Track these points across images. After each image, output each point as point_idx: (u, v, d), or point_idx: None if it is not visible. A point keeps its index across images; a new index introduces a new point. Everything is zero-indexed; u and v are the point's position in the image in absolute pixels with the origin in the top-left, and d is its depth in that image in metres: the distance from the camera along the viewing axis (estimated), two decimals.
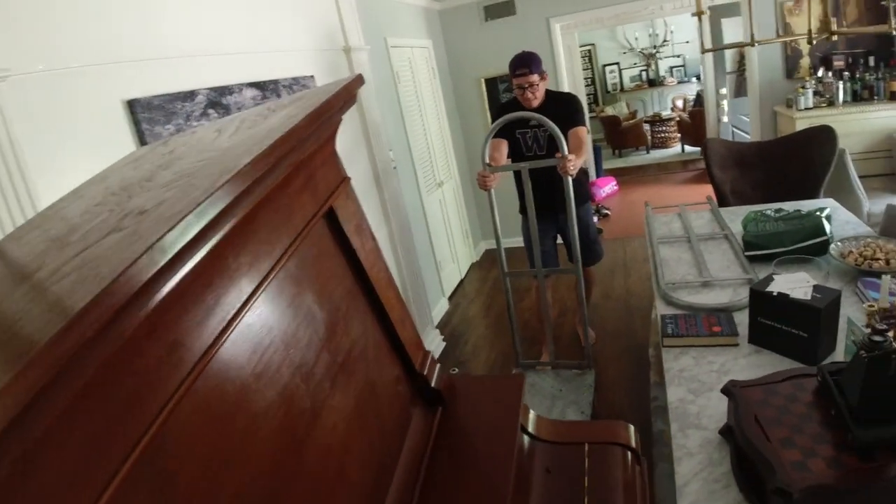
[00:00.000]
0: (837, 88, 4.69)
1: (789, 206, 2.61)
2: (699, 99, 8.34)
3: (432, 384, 0.90)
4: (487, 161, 2.86)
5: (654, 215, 3.16)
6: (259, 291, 0.60)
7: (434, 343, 4.05)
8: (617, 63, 10.92)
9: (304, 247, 0.70)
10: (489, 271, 5.43)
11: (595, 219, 6.30)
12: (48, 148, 1.65)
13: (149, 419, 0.47)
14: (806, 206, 2.61)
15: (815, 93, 4.76)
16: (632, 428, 1.02)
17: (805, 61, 4.94)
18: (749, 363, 1.71)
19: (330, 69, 3.18)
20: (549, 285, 3.30)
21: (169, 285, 0.47)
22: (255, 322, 0.60)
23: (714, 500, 1.29)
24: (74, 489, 0.42)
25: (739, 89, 6.94)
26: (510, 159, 3.15)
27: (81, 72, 1.77)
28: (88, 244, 0.52)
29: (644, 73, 10.87)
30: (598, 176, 7.48)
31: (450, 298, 4.94)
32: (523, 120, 2.95)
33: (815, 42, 1.60)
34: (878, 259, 2.00)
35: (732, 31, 5.96)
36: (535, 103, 3.01)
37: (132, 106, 1.83)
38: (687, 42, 10.25)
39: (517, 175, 2.99)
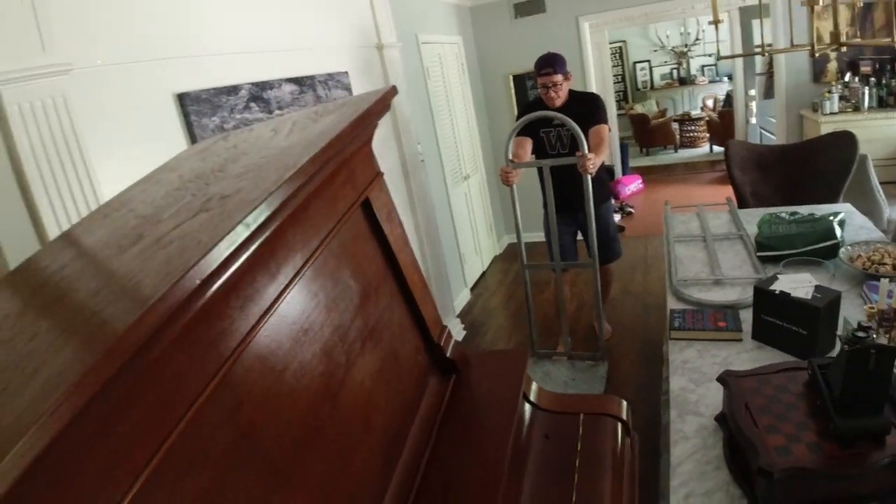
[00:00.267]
0: (863, 94, 4.68)
1: (805, 209, 2.68)
2: (729, 99, 8.30)
3: (447, 355, 1.03)
4: (510, 157, 2.98)
5: (673, 214, 3.24)
6: (308, 263, 0.74)
7: (455, 332, 4.18)
8: (648, 60, 10.87)
9: (343, 230, 0.84)
10: (511, 264, 5.54)
11: (618, 217, 6.37)
12: (106, 137, 1.80)
13: (224, 357, 0.61)
14: (822, 210, 2.67)
15: (841, 97, 4.76)
16: (624, 403, 1.14)
17: (832, 66, 4.93)
18: (751, 358, 1.79)
19: (363, 65, 3.31)
20: (567, 280, 3.40)
21: (248, 252, 0.61)
22: (305, 288, 0.74)
23: (705, 479, 1.39)
24: (169, 408, 0.55)
25: (768, 91, 6.91)
26: (534, 156, 3.26)
27: (135, 67, 1.93)
28: (182, 221, 0.66)
29: (675, 72, 10.80)
30: (623, 174, 7.51)
31: (472, 289, 5.06)
32: (547, 119, 3.05)
33: (818, 55, 1.68)
34: (885, 264, 2.06)
35: (765, 31, 5.94)
36: (559, 102, 3.11)
37: (182, 99, 1.99)
38: (721, 41, 10.14)
39: (540, 171, 3.10)
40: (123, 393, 0.50)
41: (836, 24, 1.71)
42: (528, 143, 3.18)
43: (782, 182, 3.60)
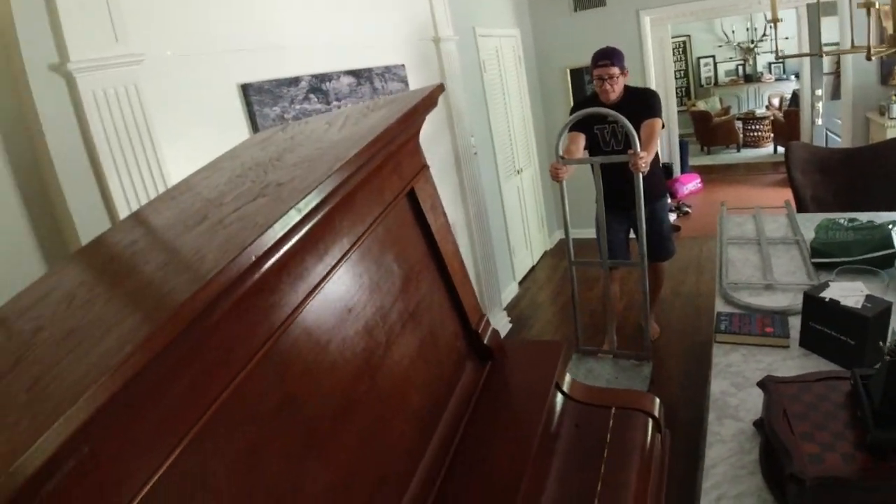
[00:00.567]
0: None
1: (865, 216, 2.59)
2: (796, 98, 8.00)
3: (485, 342, 1.08)
4: (561, 153, 2.98)
5: (729, 216, 3.18)
6: (355, 247, 0.81)
7: (501, 324, 4.22)
8: (712, 56, 10.55)
9: (389, 218, 0.90)
10: (561, 260, 5.52)
11: (674, 216, 6.26)
12: (173, 123, 1.91)
13: (274, 328, 0.68)
14: (882, 217, 2.58)
15: None
16: (657, 400, 1.16)
17: None
18: (796, 365, 1.77)
19: (420, 59, 3.37)
20: (617, 278, 3.39)
21: (299, 235, 0.68)
22: (350, 270, 0.80)
23: (738, 483, 1.40)
24: (223, 369, 0.63)
25: (835, 92, 6.63)
26: (587, 152, 3.25)
27: (203, 58, 2.03)
28: (241, 204, 0.73)
29: (741, 68, 10.46)
30: (682, 172, 7.36)
31: (520, 283, 5.08)
32: (601, 115, 3.04)
33: (874, 57, 1.63)
34: None
35: (832, 29, 5.70)
36: (613, 96, 3.10)
37: (245, 89, 2.09)
38: (786, 38, 9.78)
39: (593, 168, 3.10)
40: (182, 354, 0.57)
41: (894, 27, 1.66)
42: (581, 139, 3.18)
43: (844, 186, 3.48)
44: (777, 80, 10.19)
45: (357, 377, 0.78)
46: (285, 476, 0.66)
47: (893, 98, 4.55)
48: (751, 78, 10.38)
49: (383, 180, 0.89)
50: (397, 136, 0.88)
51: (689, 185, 7.22)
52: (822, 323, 1.76)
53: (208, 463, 0.59)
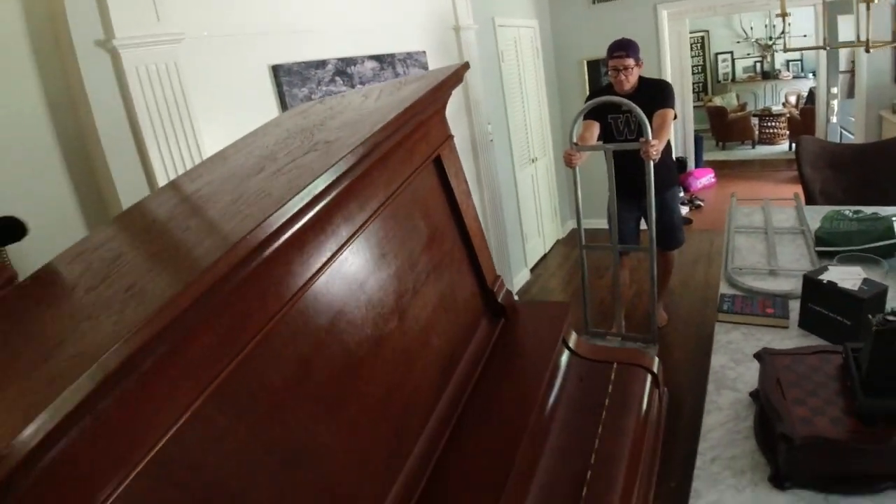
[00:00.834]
0: None
1: (869, 209, 2.66)
2: (812, 96, 8.00)
3: (499, 300, 1.18)
4: (575, 140, 3.07)
5: (739, 207, 3.26)
6: (388, 201, 0.91)
7: None
8: (730, 52, 10.52)
9: (417, 179, 1.01)
10: (573, 249, 5.60)
11: (686, 209, 6.31)
12: (208, 100, 2.01)
13: (326, 259, 0.78)
14: (887, 211, 2.65)
15: None
16: (657, 359, 1.26)
17: None
18: (794, 344, 1.83)
19: (440, 46, 3.46)
20: (627, 265, 3.46)
21: (346, 181, 0.78)
22: (385, 221, 0.90)
23: (733, 446, 1.49)
24: (292, 278, 0.73)
25: (851, 90, 6.64)
26: (601, 141, 3.33)
27: (237, 39, 2.14)
28: (296, 157, 0.84)
29: (759, 65, 10.42)
30: (696, 166, 7.40)
31: (532, 270, 5.17)
32: (616, 104, 3.12)
33: (871, 51, 1.69)
34: None
35: (849, 27, 5.71)
36: (628, 87, 3.18)
37: (276, 70, 2.19)
38: (804, 36, 9.73)
39: (606, 155, 3.18)
40: (255, 269, 0.67)
41: None
42: (595, 127, 3.26)
43: (854, 181, 3.54)
44: (795, 77, 10.15)
45: (388, 315, 0.88)
46: (335, 387, 0.77)
47: None
48: (768, 75, 10.35)
49: (414, 145, 1.00)
50: (427, 106, 0.98)
51: (703, 179, 7.26)
52: (821, 304, 1.84)
53: (266, 372, 0.69)
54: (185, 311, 0.55)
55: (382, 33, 2.91)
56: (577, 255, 3.48)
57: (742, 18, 10.04)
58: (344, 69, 2.50)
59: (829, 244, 2.39)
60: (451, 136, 1.13)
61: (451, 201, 1.12)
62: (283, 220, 0.66)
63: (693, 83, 8.87)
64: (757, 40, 10.18)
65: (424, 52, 3.24)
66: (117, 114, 1.77)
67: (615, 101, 3.02)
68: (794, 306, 2.00)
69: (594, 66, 5.61)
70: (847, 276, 1.84)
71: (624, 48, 3.14)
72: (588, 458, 0.96)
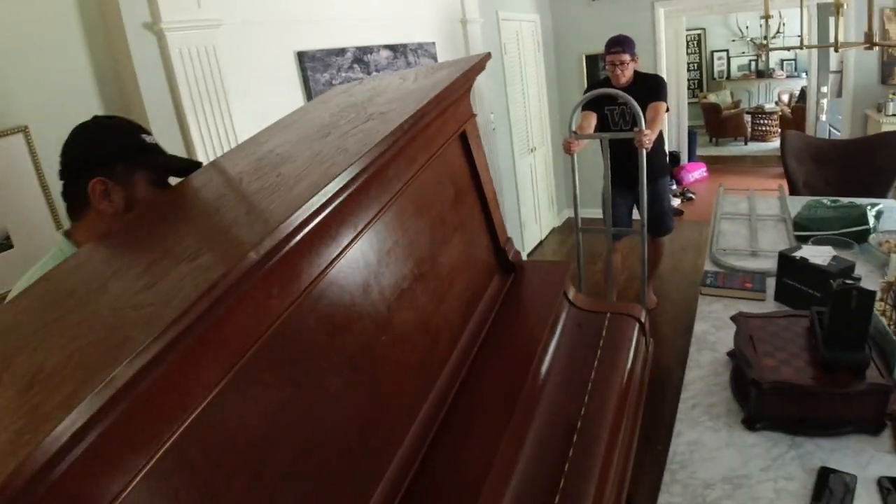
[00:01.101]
0: None
1: (847, 200, 2.86)
2: (804, 95, 8.21)
3: (509, 258, 1.38)
4: (574, 129, 3.27)
5: (726, 196, 3.46)
6: (425, 165, 1.09)
7: None
8: (726, 50, 10.73)
9: (447, 149, 1.19)
10: (568, 236, 5.81)
11: (678, 201, 6.52)
12: (241, 82, 2.19)
13: (385, 203, 0.96)
14: (864, 202, 2.85)
15: None
16: (644, 311, 1.45)
17: None
18: None
19: (448, 37, 3.64)
20: (620, 250, 3.65)
21: (399, 144, 0.95)
22: (422, 182, 1.09)
23: (710, 395, 1.69)
24: (338, 230, 0.91)
25: (840, 89, 6.87)
26: (598, 130, 3.53)
27: (268, 26, 2.31)
28: (356, 125, 1.01)
29: (753, 63, 10.63)
30: (689, 160, 7.60)
31: (528, 256, 5.37)
32: (612, 97, 3.31)
33: (840, 50, 1.88)
34: None
35: (840, 28, 5.92)
36: (623, 80, 3.38)
37: (301, 56, 2.37)
38: (798, 36, 9.92)
39: (602, 144, 3.38)
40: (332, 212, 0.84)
41: (870, 26, 1.91)
42: (593, 118, 3.46)
43: (836, 175, 3.75)
44: (788, 76, 10.36)
45: (424, 258, 1.07)
46: (386, 310, 0.94)
47: (891, 96, 4.80)
48: (763, 73, 10.55)
49: (447, 119, 1.18)
50: (458, 88, 1.17)
51: (695, 172, 7.47)
52: (794, 278, 2.04)
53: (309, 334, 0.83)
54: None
55: (396, 24, 3.09)
56: (573, 241, 3.67)
57: (738, 17, 10.23)
58: (361, 57, 2.68)
59: (806, 229, 2.59)
60: (474, 115, 1.31)
61: (471, 170, 1.31)
62: (368, 161, 0.84)
63: (689, 80, 9.07)
64: (752, 39, 10.38)
65: (434, 43, 3.42)
66: (162, 91, 1.95)
67: (612, 93, 3.21)
68: (772, 283, 2.20)
69: (593, 60, 5.79)
70: (818, 254, 2.04)
71: (620, 44, 3.34)
72: (586, 386, 1.15)
